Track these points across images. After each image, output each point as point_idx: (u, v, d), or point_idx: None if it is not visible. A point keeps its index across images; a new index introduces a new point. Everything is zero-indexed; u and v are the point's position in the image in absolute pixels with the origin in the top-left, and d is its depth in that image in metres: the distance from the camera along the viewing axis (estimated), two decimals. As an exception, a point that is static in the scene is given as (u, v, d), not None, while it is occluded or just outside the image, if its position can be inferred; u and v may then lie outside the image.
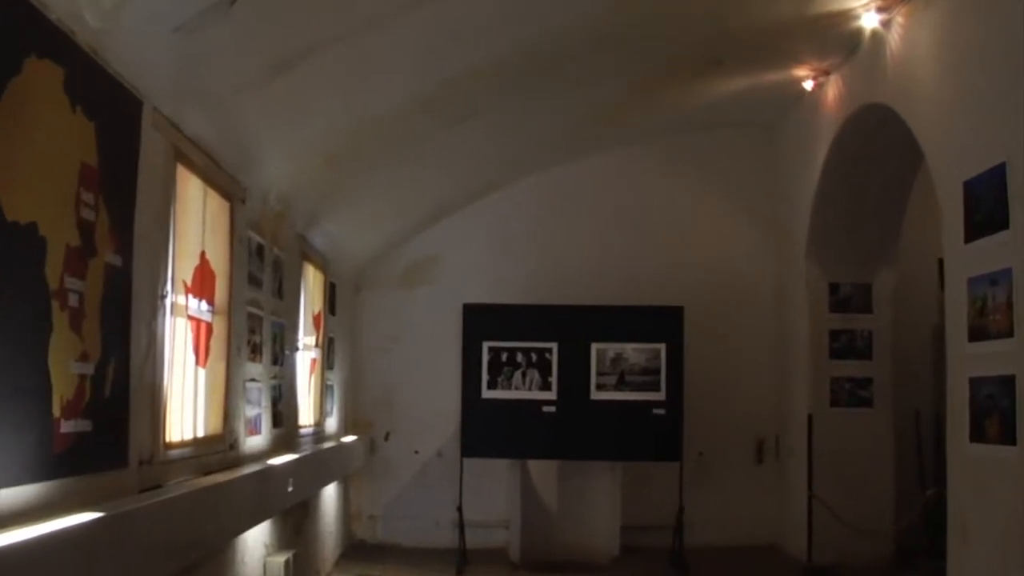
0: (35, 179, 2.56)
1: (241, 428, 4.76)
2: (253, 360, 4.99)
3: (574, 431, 7.43)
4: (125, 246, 3.21)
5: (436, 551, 7.75)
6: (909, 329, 7.67)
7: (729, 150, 8.58)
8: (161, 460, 3.60)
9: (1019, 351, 4.15)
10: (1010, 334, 4.23)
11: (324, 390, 7.16)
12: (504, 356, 7.53)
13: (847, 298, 7.54)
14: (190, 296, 4.04)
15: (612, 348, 7.53)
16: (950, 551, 4.82)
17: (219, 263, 4.44)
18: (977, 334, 4.53)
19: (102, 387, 3.02)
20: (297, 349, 6.14)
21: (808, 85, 7.12)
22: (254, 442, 5.01)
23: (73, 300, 2.79)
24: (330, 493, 7.33)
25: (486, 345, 7.53)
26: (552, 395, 7.49)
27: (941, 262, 7.23)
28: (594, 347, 7.54)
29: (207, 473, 4.09)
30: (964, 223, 4.67)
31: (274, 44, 4.09)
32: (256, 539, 4.93)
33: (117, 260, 3.13)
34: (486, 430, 7.46)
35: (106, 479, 3.08)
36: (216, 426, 4.40)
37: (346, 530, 8.15)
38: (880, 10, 5.69)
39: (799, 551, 7.16)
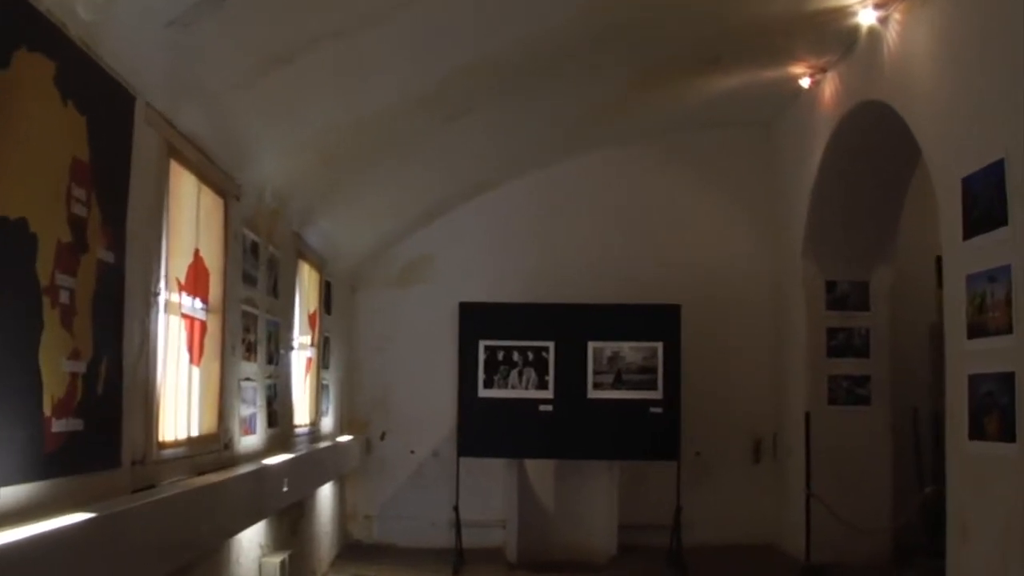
0: (25, 174, 2.52)
1: (236, 428, 4.72)
2: (248, 359, 4.94)
3: (571, 430, 7.40)
4: (117, 242, 3.17)
5: (432, 551, 7.72)
6: (906, 327, 7.65)
7: (726, 148, 8.56)
8: (154, 460, 3.56)
9: (1018, 348, 4.13)
10: (1009, 331, 4.21)
11: (320, 389, 7.12)
12: (500, 355, 7.50)
13: (844, 296, 7.53)
14: (184, 294, 4.00)
15: (609, 347, 7.50)
16: (949, 549, 4.80)
17: (213, 261, 4.40)
18: (976, 331, 4.51)
19: (94, 386, 2.98)
20: (292, 348, 6.10)
21: (805, 83, 7.10)
22: (249, 442, 4.97)
23: (64, 297, 2.75)
24: (326, 493, 7.30)
25: (482, 344, 7.49)
26: (549, 394, 7.46)
27: (938, 260, 7.26)
28: (591, 346, 7.51)
29: (201, 473, 4.05)
30: (963, 220, 4.65)
31: (269, 39, 4.05)
32: (251, 540, 4.89)
33: (109, 257, 3.09)
34: (482, 429, 7.43)
35: (98, 479, 3.04)
36: (210, 425, 4.36)
37: (342, 530, 8.11)
38: (877, 7, 5.67)
39: (797, 550, 7.14)
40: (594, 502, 7.75)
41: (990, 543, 4.34)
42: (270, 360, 5.42)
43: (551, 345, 7.51)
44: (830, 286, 7.54)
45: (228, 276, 4.54)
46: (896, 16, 5.58)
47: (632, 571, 7.31)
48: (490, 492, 8.00)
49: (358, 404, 8.47)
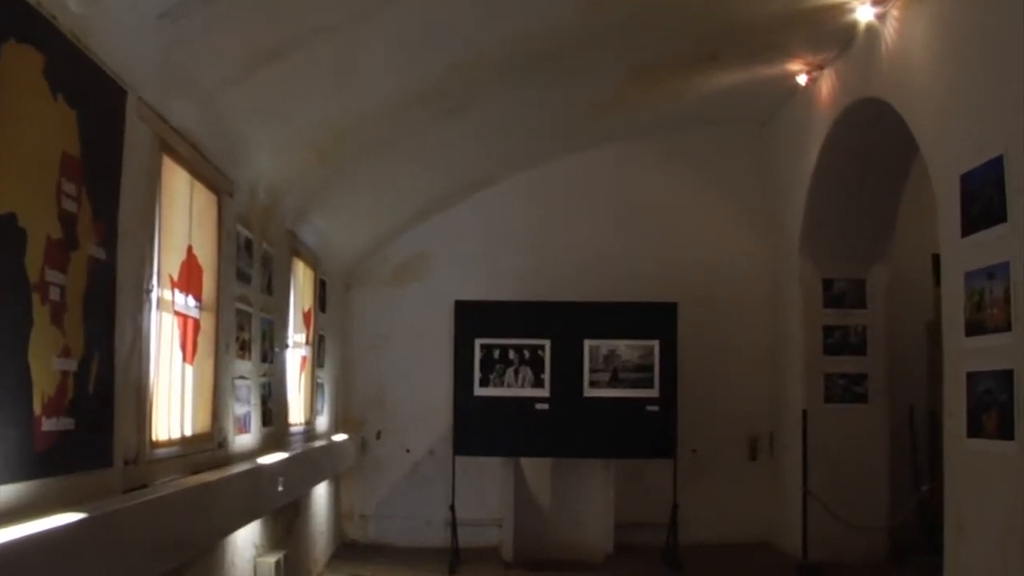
0: (14, 168, 2.47)
1: (230, 426, 4.68)
2: (242, 357, 4.90)
3: (567, 429, 7.38)
4: (109, 239, 3.12)
5: (428, 550, 7.69)
6: (903, 325, 7.65)
7: (723, 146, 8.54)
8: (147, 459, 3.52)
9: (1017, 345, 4.12)
10: (1008, 328, 4.19)
11: (314, 388, 7.08)
12: (496, 353, 7.47)
13: (841, 294, 7.52)
14: (176, 291, 3.95)
15: (605, 345, 7.48)
16: (947, 547, 4.79)
17: (206, 258, 4.35)
18: (974, 328, 4.50)
19: (85, 384, 2.94)
20: (287, 346, 6.05)
21: (802, 80, 7.08)
22: (243, 441, 4.93)
23: (55, 294, 2.70)
24: (321, 492, 7.26)
25: (478, 342, 7.46)
26: (545, 392, 7.43)
27: (935, 258, 7.28)
28: (587, 344, 7.49)
29: (195, 472, 4.01)
30: (961, 217, 4.64)
31: (262, 33, 4.00)
32: (246, 539, 4.86)
33: (100, 253, 3.05)
34: (478, 428, 7.40)
35: (90, 479, 3.00)
36: (204, 424, 4.32)
37: (337, 530, 8.07)
38: (875, 3, 5.65)
39: (793, 548, 7.13)
40: (590, 500, 7.73)
41: (988, 541, 4.32)
42: (264, 358, 5.38)
43: (547, 343, 7.48)
44: (827, 284, 7.53)
45: (222, 273, 4.49)
46: (894, 13, 5.56)
47: (628, 569, 7.29)
48: (486, 491, 7.98)
49: (353, 403, 8.43)
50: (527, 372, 7.47)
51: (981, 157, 4.44)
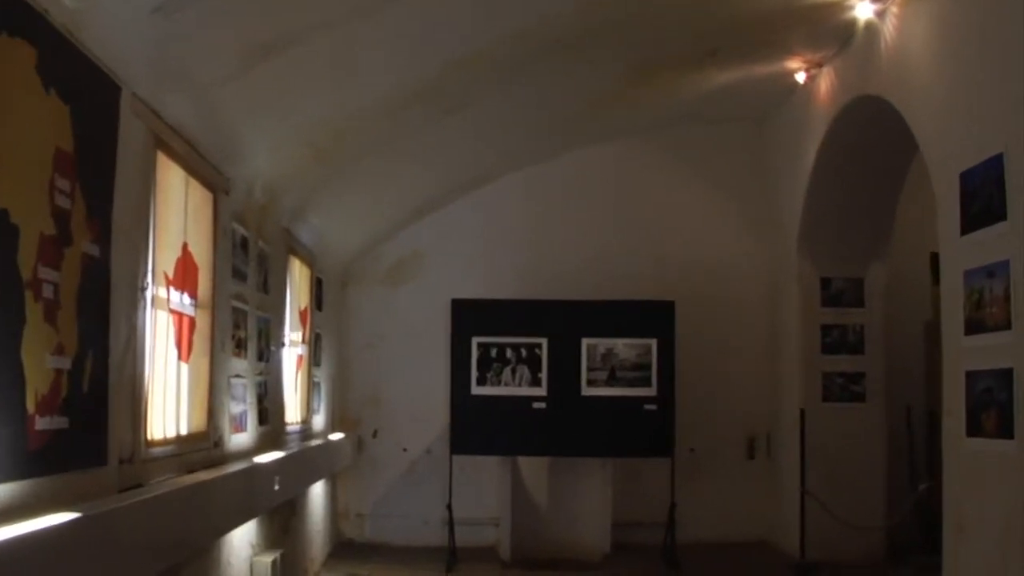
0: (6, 163, 2.44)
1: (226, 425, 4.65)
2: (238, 356, 4.87)
3: (565, 427, 7.36)
4: (103, 236, 3.09)
5: (425, 549, 7.66)
6: (901, 324, 7.64)
7: (721, 144, 8.52)
8: (142, 458, 3.49)
9: (1017, 344, 4.10)
10: (1008, 327, 4.18)
11: (311, 387, 7.05)
12: (494, 352, 7.45)
13: (839, 292, 7.50)
14: (172, 289, 3.93)
15: (603, 343, 7.46)
16: (946, 547, 4.78)
17: (202, 255, 4.32)
18: (974, 327, 4.48)
19: (79, 382, 2.91)
20: (283, 345, 6.02)
21: (800, 78, 7.06)
22: (239, 440, 4.90)
23: (48, 291, 2.67)
24: (317, 491, 7.23)
25: (475, 341, 7.44)
26: (542, 391, 7.41)
27: (933, 256, 7.27)
28: (584, 342, 7.46)
29: (191, 471, 3.99)
30: (960, 215, 4.62)
31: (258, 29, 3.97)
32: (242, 539, 4.83)
33: (94, 250, 3.02)
34: (475, 427, 7.37)
35: (84, 478, 2.97)
36: (200, 423, 4.29)
37: (334, 529, 8.04)
38: (875, 0, 5.63)
39: (791, 547, 7.12)
40: (588, 499, 7.71)
41: (987, 540, 4.31)
42: (260, 357, 5.35)
43: (544, 342, 7.46)
44: (825, 283, 7.52)
45: (217, 271, 4.46)
46: (893, 10, 5.54)
47: (626, 569, 7.28)
48: (483, 490, 7.95)
49: (350, 401, 8.40)
50: (524, 371, 7.45)
51: (981, 155, 4.42)
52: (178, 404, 4.05)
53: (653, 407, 7.33)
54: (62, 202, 2.77)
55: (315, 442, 6.91)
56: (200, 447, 4.24)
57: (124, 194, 3.26)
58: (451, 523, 7.33)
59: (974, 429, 4.45)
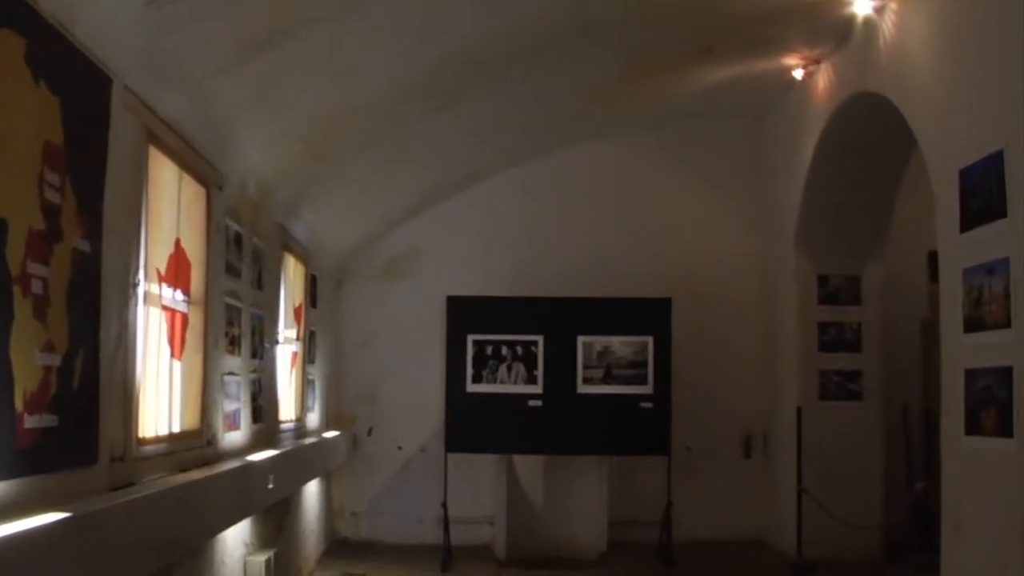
0: (-6, 156, 2.39)
1: (219, 423, 4.60)
2: (231, 353, 4.82)
3: (560, 425, 7.33)
4: (94, 231, 3.04)
5: (420, 548, 7.63)
6: (898, 322, 7.63)
7: (718, 141, 8.49)
8: (134, 457, 3.44)
9: (1017, 342, 4.08)
10: (1007, 325, 4.15)
11: (305, 384, 7.00)
12: (489, 349, 7.41)
13: (836, 290, 7.48)
14: (164, 285, 3.87)
15: (599, 341, 7.43)
16: (944, 545, 4.75)
17: (195, 251, 4.27)
18: (973, 325, 4.46)
19: (69, 379, 2.86)
20: (277, 342, 5.98)
21: (798, 74, 7.03)
22: (233, 438, 4.85)
23: (37, 287, 2.62)
24: (312, 490, 7.18)
25: (471, 338, 7.40)
26: (538, 389, 7.38)
27: (930, 255, 7.26)
28: (580, 340, 7.43)
29: (183, 470, 3.95)
30: (960, 212, 4.60)
31: (252, 22, 3.91)
32: (236, 538, 4.78)
33: (85, 245, 2.97)
34: (471, 425, 7.33)
35: (74, 477, 2.92)
36: (193, 421, 4.24)
37: (329, 527, 8.00)
38: (873, -4, 5.61)
39: (787, 546, 7.10)
40: (583, 498, 7.68)
41: (986, 540, 4.29)
42: (254, 354, 5.31)
43: (540, 339, 7.43)
44: (822, 280, 7.50)
45: (211, 267, 4.41)
46: (892, 6, 5.51)
47: (622, 567, 7.25)
48: (478, 488, 7.92)
49: (344, 399, 8.36)
50: (520, 368, 7.41)
51: (980, 152, 4.39)
52: (170, 402, 4.00)
53: (649, 405, 7.31)
54: (52, 196, 2.72)
55: (309, 440, 6.87)
56: (193, 445, 4.19)
57: (115, 189, 3.21)
58: (446, 521, 7.29)
59: (973, 427, 4.42)
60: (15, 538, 2.26)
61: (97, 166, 3.10)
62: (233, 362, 4.86)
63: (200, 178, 4.33)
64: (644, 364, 7.37)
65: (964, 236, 4.56)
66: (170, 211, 3.99)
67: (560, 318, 7.45)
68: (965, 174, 4.56)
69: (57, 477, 2.79)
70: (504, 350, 7.42)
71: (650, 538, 7.41)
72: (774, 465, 7.95)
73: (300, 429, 6.78)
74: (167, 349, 3.97)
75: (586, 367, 7.41)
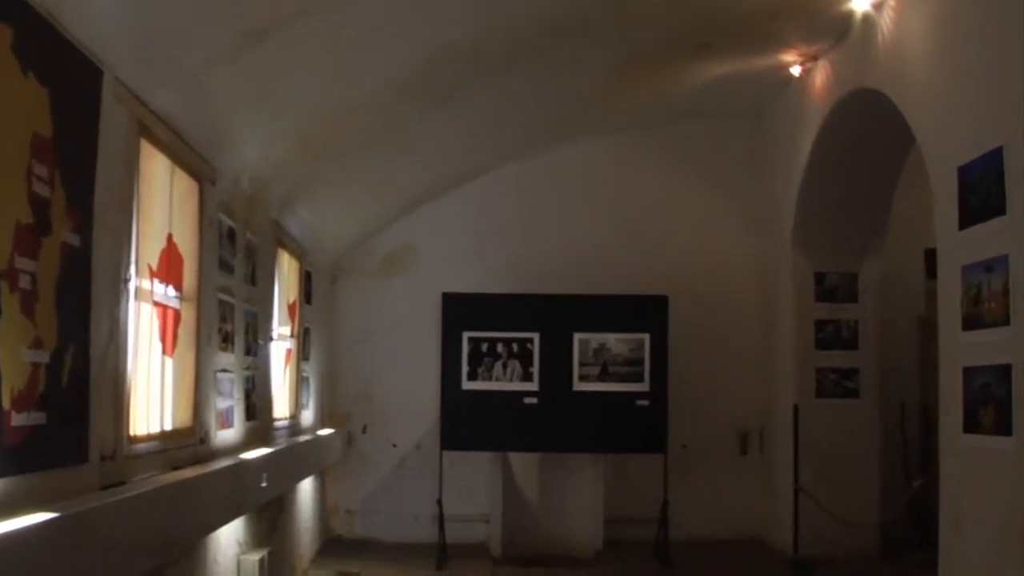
0: (-20, 148, 2.34)
1: (212, 421, 4.56)
2: (225, 350, 4.78)
3: (556, 423, 7.30)
4: (84, 225, 2.99)
5: (416, 546, 7.59)
6: (895, 320, 7.62)
7: (715, 138, 8.46)
8: (125, 455, 3.39)
9: (1016, 339, 4.06)
10: (1006, 322, 4.13)
11: (300, 381, 6.96)
12: (484, 347, 7.37)
13: (833, 288, 7.47)
14: (156, 281, 3.83)
15: (595, 338, 7.39)
16: (942, 543, 4.74)
17: (187, 247, 4.22)
18: (972, 323, 4.44)
19: (58, 376, 2.81)
20: (271, 339, 5.92)
21: (796, 71, 7.00)
22: (226, 435, 4.81)
23: (25, 282, 2.57)
24: (306, 488, 7.14)
25: (466, 335, 7.36)
26: (534, 386, 7.34)
27: (927, 252, 7.25)
28: (576, 337, 7.40)
29: (176, 468, 3.90)
30: (958, 209, 4.57)
31: (246, 14, 3.86)
32: (229, 537, 4.74)
33: (75, 240, 2.91)
34: (466, 422, 7.30)
35: (64, 476, 2.87)
36: (185, 419, 4.19)
37: (323, 525, 7.96)
38: (872, -7, 5.58)
39: (784, 544, 7.09)
40: (579, 496, 7.65)
41: (984, 538, 4.27)
42: (248, 351, 5.26)
43: (536, 337, 7.39)
44: (819, 278, 7.48)
45: (203, 263, 4.36)
46: (891, 2, 5.48)
47: (618, 565, 7.23)
48: (474, 486, 7.88)
49: (339, 397, 8.31)
50: (516, 366, 7.38)
51: (980, 149, 4.37)
52: (162, 399, 3.96)
53: (645, 403, 7.28)
54: (40, 189, 2.67)
55: (304, 438, 6.82)
56: (185, 443, 4.15)
57: (106, 182, 3.16)
58: (441, 519, 7.26)
59: (971, 426, 4.40)
60: (3, 539, 2.22)
61: (87, 159, 3.05)
62: (226, 359, 4.81)
63: (193, 172, 4.27)
64: (640, 361, 7.34)
65: (963, 233, 4.54)
66: (162, 206, 3.94)
67: (556, 315, 7.41)
68: (964, 171, 4.54)
69: (46, 476, 2.74)
70: (500, 347, 7.38)
71: (646, 536, 7.39)
72: (771, 463, 7.93)
73: (294, 427, 6.73)
74: (159, 346, 3.92)
75: (582, 364, 7.38)
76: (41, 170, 2.67)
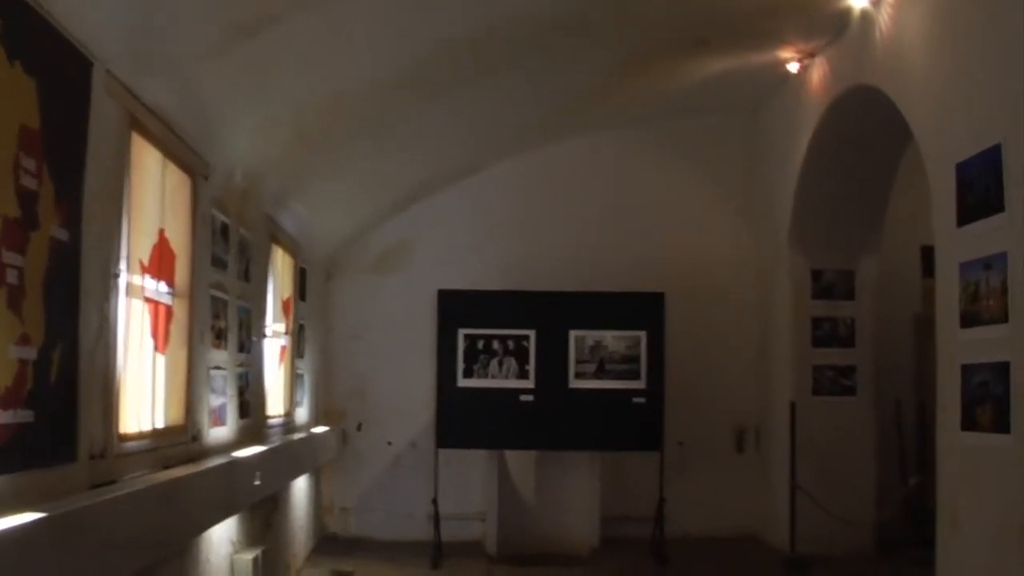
0: (-35, 140, 2.29)
1: (204, 419, 4.51)
2: (217, 346, 4.73)
3: (552, 420, 7.27)
4: (73, 219, 2.94)
5: (411, 544, 7.56)
6: (891, 317, 7.60)
7: (712, 135, 8.43)
8: (115, 453, 3.35)
9: (1014, 337, 4.04)
10: (1004, 320, 4.12)
11: (294, 379, 6.91)
12: (480, 344, 7.34)
13: (830, 285, 7.45)
14: (147, 276, 3.77)
15: (591, 335, 7.37)
16: (939, 541, 4.72)
17: (179, 242, 4.17)
18: (970, 320, 4.42)
19: (46, 373, 2.76)
20: (265, 336, 5.88)
21: (793, 67, 6.97)
22: (219, 433, 4.76)
23: (12, 277, 2.52)
24: (300, 486, 7.10)
25: (462, 332, 7.33)
26: (530, 384, 7.31)
27: (924, 249, 7.24)
28: (572, 334, 7.37)
29: (167, 467, 3.85)
30: (957, 207, 4.55)
31: (240, 5, 3.81)
32: (222, 536, 4.69)
33: (63, 234, 2.86)
34: (462, 420, 7.27)
35: (52, 475, 2.83)
36: (177, 416, 4.15)
37: (318, 524, 7.92)
38: (870, -11, 5.55)
39: (780, 541, 7.07)
40: (575, 493, 7.63)
41: (982, 535, 4.26)
42: (241, 348, 5.21)
43: (532, 334, 7.36)
44: (816, 275, 7.47)
45: (196, 259, 4.31)
46: (889, -1, 5.46)
47: (614, 563, 7.20)
48: (469, 484, 7.85)
49: (334, 394, 8.27)
50: (511, 363, 7.34)
51: (978, 146, 4.35)
52: (154, 397, 3.91)
53: (642, 400, 7.26)
54: (28, 182, 2.62)
55: (298, 435, 6.78)
56: (177, 441, 4.10)
57: (96, 176, 3.11)
58: (437, 517, 7.23)
59: (969, 423, 4.39)
60: (-11, 538, 2.18)
61: (76, 152, 3.00)
62: (219, 356, 4.77)
63: (185, 166, 4.22)
64: (637, 359, 7.32)
65: (961, 230, 4.52)
66: (153, 200, 3.89)
67: (552, 312, 7.38)
68: (962, 168, 4.52)
69: (33, 475, 2.69)
70: (495, 344, 7.35)
71: (643, 534, 7.37)
72: (767, 461, 7.92)
73: (288, 424, 6.69)
74: (150, 342, 3.87)
75: (578, 362, 7.35)
76: (29, 163, 2.62)
